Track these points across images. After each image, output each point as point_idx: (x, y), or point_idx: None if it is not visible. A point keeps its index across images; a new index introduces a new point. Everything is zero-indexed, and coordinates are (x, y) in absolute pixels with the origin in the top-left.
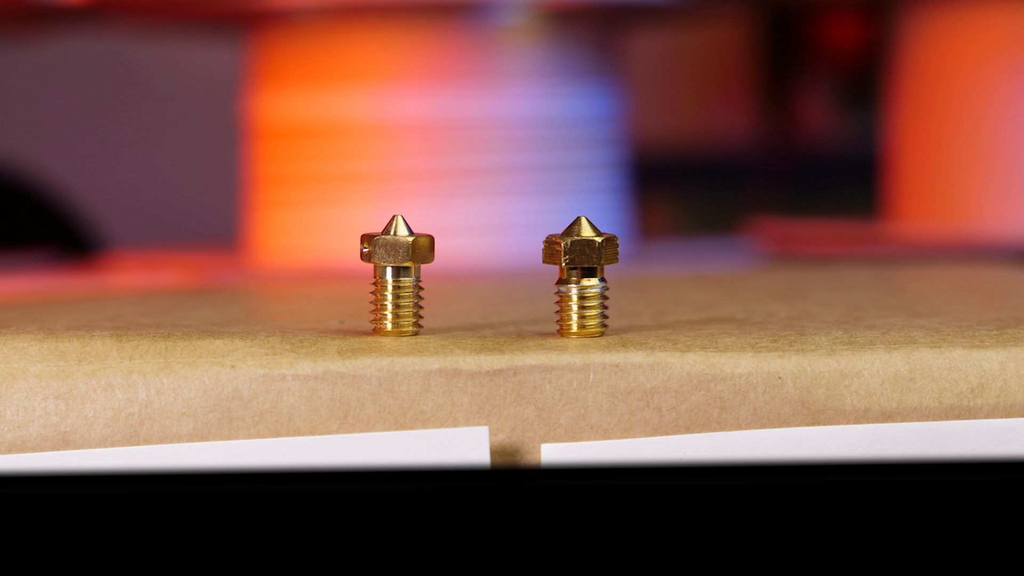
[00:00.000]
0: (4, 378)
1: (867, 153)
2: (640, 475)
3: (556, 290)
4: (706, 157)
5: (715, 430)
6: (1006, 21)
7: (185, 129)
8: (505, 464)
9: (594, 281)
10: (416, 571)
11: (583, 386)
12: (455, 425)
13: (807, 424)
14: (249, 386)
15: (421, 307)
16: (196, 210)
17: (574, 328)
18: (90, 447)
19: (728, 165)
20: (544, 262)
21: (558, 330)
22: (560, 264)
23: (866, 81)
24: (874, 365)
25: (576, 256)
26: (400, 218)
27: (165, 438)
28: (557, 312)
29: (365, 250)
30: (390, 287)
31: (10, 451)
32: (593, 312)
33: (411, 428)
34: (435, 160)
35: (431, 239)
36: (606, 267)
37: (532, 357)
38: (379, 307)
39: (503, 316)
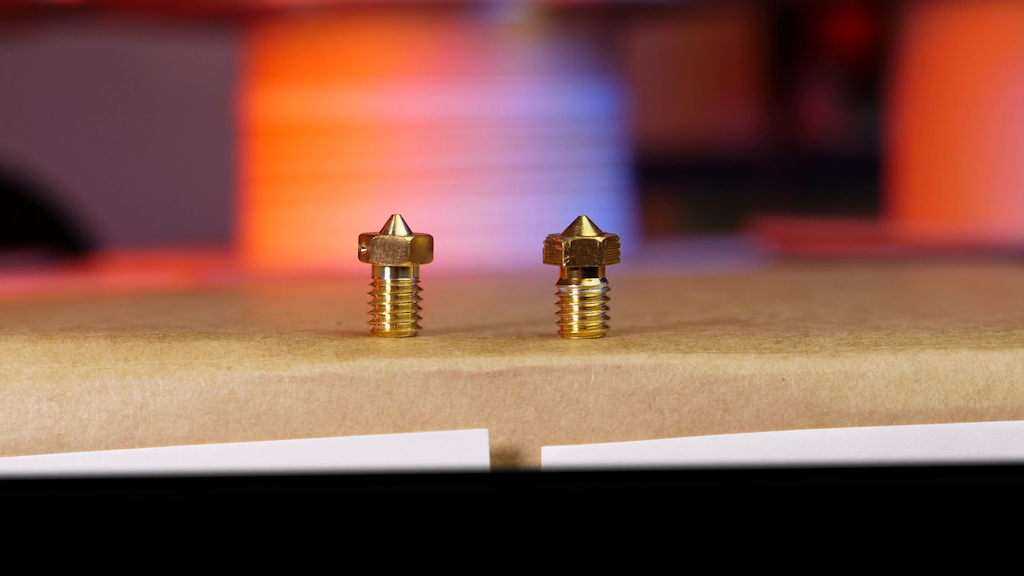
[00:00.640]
0: None
1: (872, 151)
2: (642, 478)
3: (557, 290)
4: (709, 155)
5: (718, 432)
6: (1013, 17)
7: (181, 127)
8: (505, 467)
9: (595, 281)
10: None
11: (584, 388)
12: (454, 427)
13: (811, 426)
14: (245, 388)
15: (420, 308)
16: (192, 209)
17: (575, 329)
18: (84, 450)
19: (731, 164)
20: (544, 262)
21: (559, 331)
22: (561, 264)
23: (871, 78)
24: (879, 367)
25: (577, 256)
26: (398, 217)
27: (160, 441)
28: (558, 313)
29: (363, 250)
30: (388, 287)
31: (3, 454)
32: (594, 313)
33: (410, 430)
34: (434, 159)
35: (430, 239)
36: (607, 267)
37: (532, 358)
38: (377, 308)
39: (503, 317)
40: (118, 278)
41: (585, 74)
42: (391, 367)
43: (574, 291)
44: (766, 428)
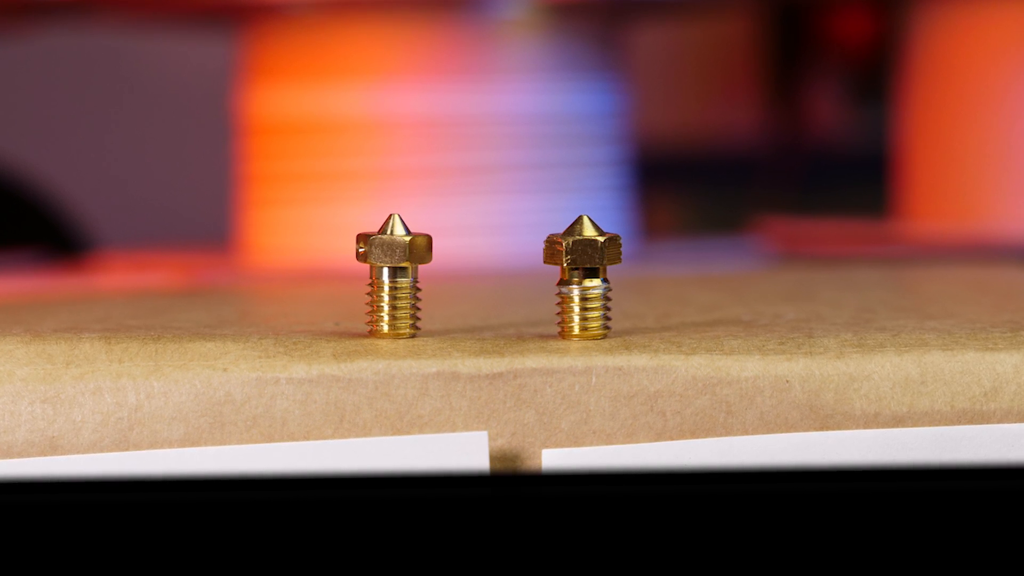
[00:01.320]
0: None
1: (877, 150)
2: (644, 481)
3: (557, 291)
4: (712, 154)
5: (721, 435)
6: (1020, 14)
7: (176, 125)
8: (505, 470)
9: (596, 282)
10: None
11: (585, 390)
12: (453, 430)
13: (815, 429)
14: (241, 390)
15: (418, 309)
16: (187, 209)
17: (576, 330)
18: (78, 452)
19: (734, 162)
20: (545, 262)
21: (559, 332)
22: (561, 264)
23: (876, 76)
24: (884, 368)
25: (578, 256)
26: (397, 217)
27: (155, 443)
28: (558, 314)
29: (361, 250)
30: (387, 288)
31: None
32: (595, 314)
33: (408, 433)
34: (433, 157)
35: (429, 239)
36: (609, 267)
37: (533, 360)
38: (375, 309)
39: (503, 318)
40: (112, 278)
41: (586, 71)
42: (389, 369)
43: (575, 292)
44: (770, 430)
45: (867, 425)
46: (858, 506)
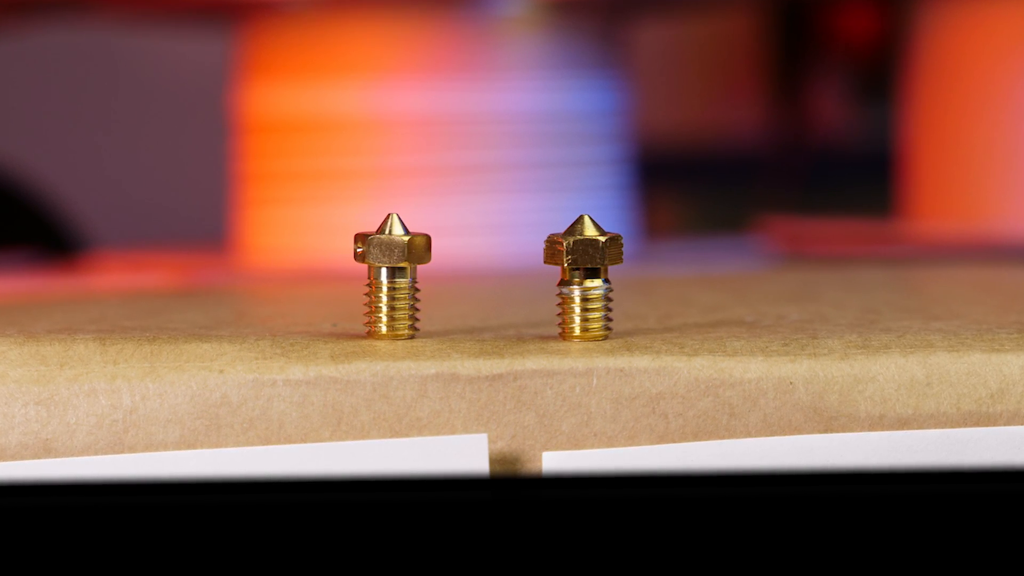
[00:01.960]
0: None
1: (882, 149)
2: (645, 484)
3: (558, 292)
4: (714, 153)
5: (724, 437)
6: None
7: (171, 124)
8: (505, 473)
9: (597, 282)
10: None
11: (586, 392)
12: (453, 432)
13: (819, 431)
14: (238, 392)
15: (417, 309)
16: (183, 208)
17: (577, 331)
18: (72, 455)
19: (737, 161)
20: (545, 262)
21: (560, 333)
22: (562, 264)
23: (881, 73)
24: (889, 370)
25: (579, 256)
26: (395, 217)
27: (150, 446)
28: (559, 315)
29: (359, 250)
30: (385, 288)
31: None
32: (596, 315)
33: (407, 435)
34: (432, 156)
35: (428, 238)
36: (610, 268)
37: (533, 361)
38: (373, 309)
39: (503, 319)
40: (107, 279)
41: (587, 69)
42: (388, 370)
43: (576, 292)
44: (773, 433)
45: (872, 427)
46: (863, 510)
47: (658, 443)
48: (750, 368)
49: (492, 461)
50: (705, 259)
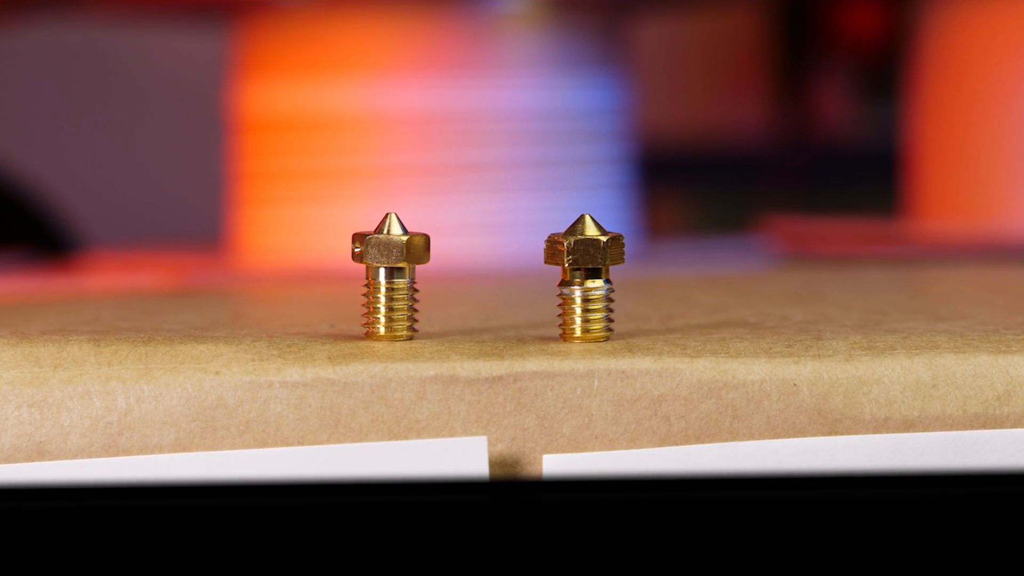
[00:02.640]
0: None
1: (888, 147)
2: (647, 488)
3: (558, 292)
4: (717, 151)
5: (726, 440)
6: None
7: (167, 122)
8: (505, 476)
9: (599, 283)
10: None
11: (587, 394)
12: (452, 435)
13: (824, 434)
14: (234, 394)
15: (416, 310)
16: (179, 208)
17: (578, 332)
18: (66, 458)
19: (741, 160)
20: (546, 263)
21: (561, 334)
22: (563, 265)
23: (887, 71)
24: (895, 372)
25: (580, 256)
26: (394, 216)
27: (145, 448)
28: (560, 315)
29: (357, 250)
30: (383, 289)
31: None
32: (598, 316)
33: (405, 438)
34: (431, 155)
35: (427, 238)
36: (611, 268)
37: (533, 363)
38: (372, 310)
39: (503, 320)
40: (102, 279)
41: (588, 67)
42: (386, 372)
43: (577, 293)
44: (777, 435)
45: (877, 430)
46: (868, 513)
47: (660, 446)
48: (753, 370)
49: (492, 464)
50: (708, 259)
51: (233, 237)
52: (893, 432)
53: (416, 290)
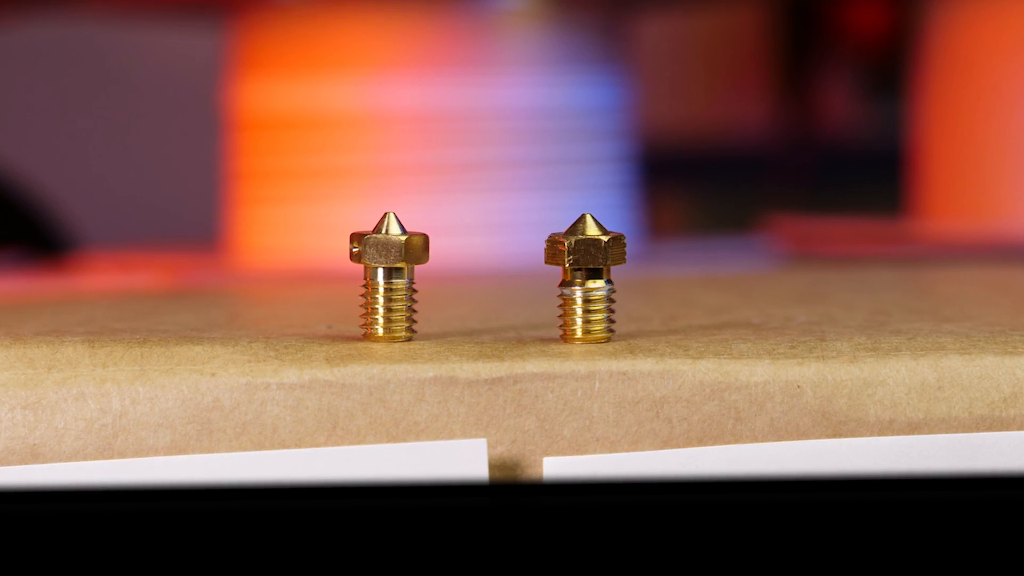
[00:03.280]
0: None
1: (892, 146)
2: (649, 491)
3: (559, 293)
4: (720, 150)
5: (729, 442)
6: None
7: (162, 120)
8: (505, 479)
9: (600, 283)
10: None
11: (588, 395)
12: (451, 437)
13: (828, 436)
14: (231, 395)
15: (415, 311)
16: (174, 207)
17: (578, 333)
18: (60, 460)
19: (744, 159)
20: (546, 263)
21: (561, 335)
22: (563, 265)
23: (891, 69)
24: (900, 373)
25: (581, 256)
26: (392, 216)
27: (141, 451)
28: (560, 316)
29: (355, 250)
30: (382, 289)
31: None
32: (599, 316)
33: (404, 440)
34: (430, 153)
35: (425, 238)
36: (613, 268)
37: (533, 364)
38: (370, 311)
39: (502, 321)
40: (96, 279)
41: (590, 64)
42: (384, 374)
43: (578, 293)
44: (780, 438)
45: (882, 432)
46: (872, 517)
47: (662, 448)
48: (756, 371)
49: (491, 467)
50: (710, 259)
51: (229, 237)
52: (898, 434)
53: (415, 291)
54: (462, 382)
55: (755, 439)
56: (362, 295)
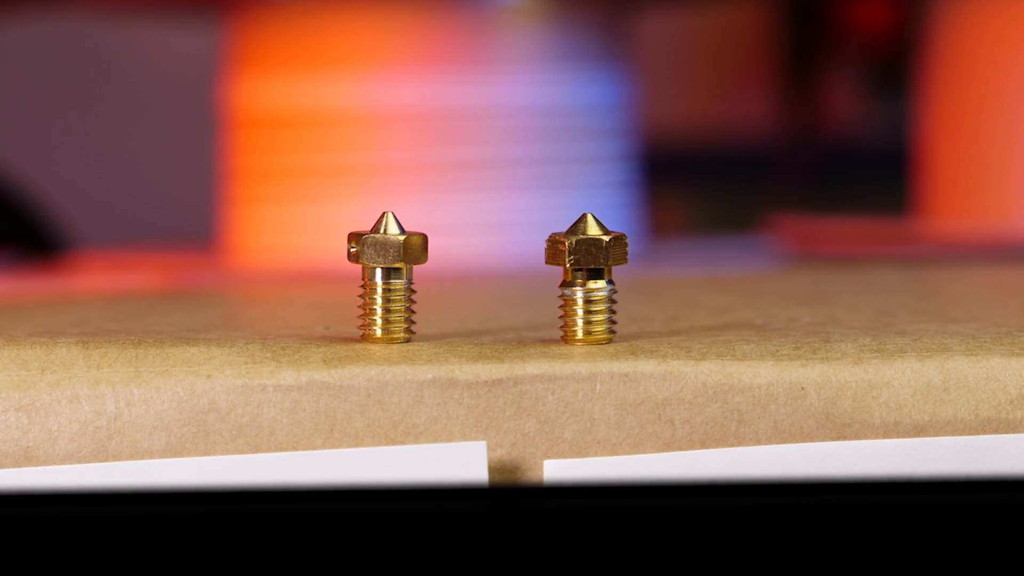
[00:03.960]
0: None
1: (897, 145)
2: (651, 494)
3: (560, 293)
4: (723, 149)
5: (732, 445)
6: None
7: (158, 119)
8: (504, 482)
9: (601, 283)
10: None
11: (589, 397)
12: (450, 440)
13: (832, 439)
14: (227, 397)
15: (413, 312)
16: (170, 206)
17: (579, 334)
18: (54, 463)
19: (747, 158)
20: (547, 263)
21: (562, 336)
22: (564, 265)
23: (896, 67)
24: (905, 375)
25: (581, 256)
26: (390, 215)
27: (135, 454)
28: (561, 317)
29: (353, 250)
30: (380, 290)
31: None
32: (600, 317)
33: (402, 443)
34: (429, 152)
35: (424, 238)
36: (614, 268)
37: (534, 366)
38: (368, 312)
39: (502, 321)
40: (91, 280)
41: (591, 62)
42: (383, 375)
43: (578, 294)
44: (784, 440)
45: (887, 435)
46: (877, 520)
47: (664, 451)
48: (760, 373)
49: (491, 469)
50: (713, 259)
51: (226, 236)
52: (903, 437)
53: (413, 291)
54: (461, 384)
55: (758, 441)
56: (360, 296)
